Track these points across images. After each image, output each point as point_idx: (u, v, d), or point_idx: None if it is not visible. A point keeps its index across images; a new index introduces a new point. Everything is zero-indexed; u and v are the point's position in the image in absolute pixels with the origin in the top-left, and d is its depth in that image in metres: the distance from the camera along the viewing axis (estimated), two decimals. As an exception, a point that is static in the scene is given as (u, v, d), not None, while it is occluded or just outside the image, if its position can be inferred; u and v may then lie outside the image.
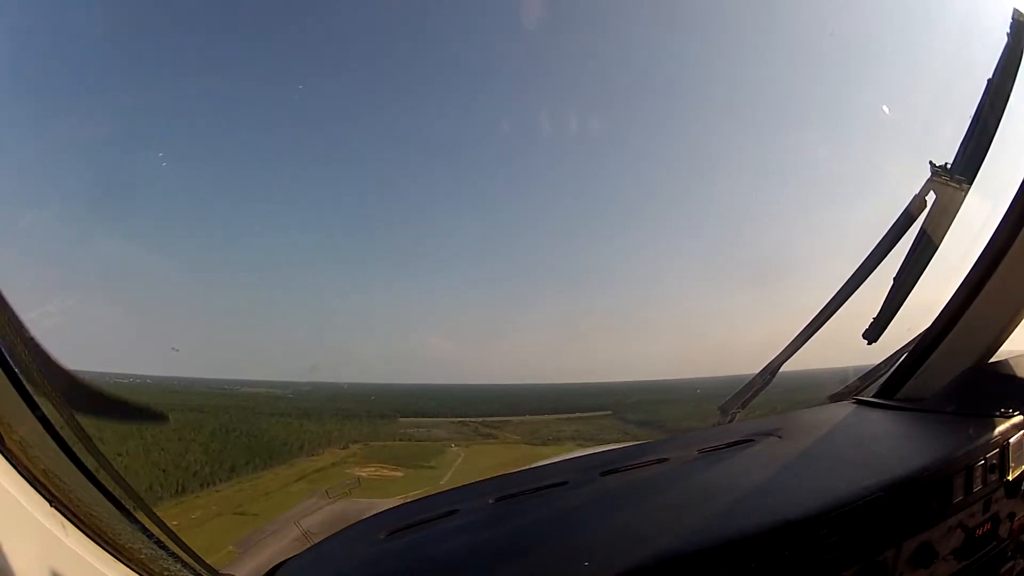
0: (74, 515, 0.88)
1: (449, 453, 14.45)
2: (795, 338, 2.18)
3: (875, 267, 2.08)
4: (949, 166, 1.98)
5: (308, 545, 1.33)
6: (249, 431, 15.56)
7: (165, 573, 1.01)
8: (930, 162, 2.00)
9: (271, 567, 1.22)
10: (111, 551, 0.92)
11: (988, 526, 1.60)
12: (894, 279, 2.06)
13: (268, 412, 18.14)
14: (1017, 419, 1.73)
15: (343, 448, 15.32)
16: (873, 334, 2.11)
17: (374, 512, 1.43)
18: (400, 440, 16.56)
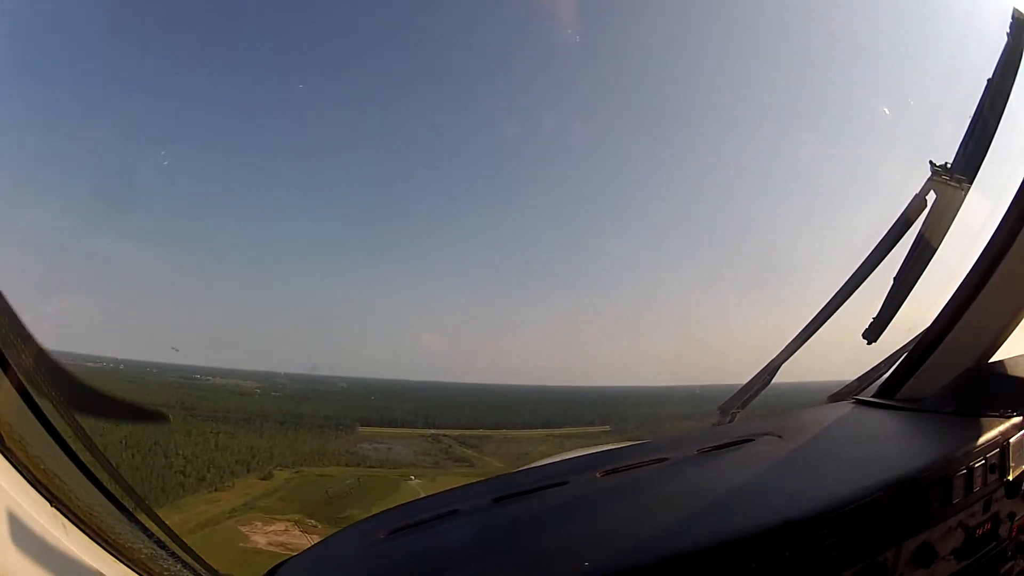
0: (74, 515, 0.88)
1: (404, 491, 10.79)
2: (795, 338, 2.18)
3: (875, 267, 2.08)
4: (949, 166, 1.98)
5: (308, 545, 1.33)
6: (154, 446, 11.17)
7: (165, 573, 1.01)
8: (930, 162, 2.01)
9: (271, 567, 1.22)
10: (111, 551, 0.92)
11: (988, 526, 1.60)
12: (894, 279, 2.06)
13: (206, 414, 14.58)
14: (1017, 419, 1.73)
15: (264, 478, 11.47)
16: (873, 334, 2.11)
17: None
18: (347, 466, 12.80)
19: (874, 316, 2.12)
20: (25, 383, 0.92)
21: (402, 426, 16.08)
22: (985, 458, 1.56)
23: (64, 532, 0.85)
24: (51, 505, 0.85)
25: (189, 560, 1.09)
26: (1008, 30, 1.90)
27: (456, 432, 15.13)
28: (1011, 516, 1.68)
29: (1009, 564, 1.68)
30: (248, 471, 11.78)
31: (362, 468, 12.88)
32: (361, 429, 15.48)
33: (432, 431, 15.43)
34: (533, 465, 1.99)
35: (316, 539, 1.30)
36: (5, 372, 0.89)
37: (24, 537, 0.79)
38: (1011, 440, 1.66)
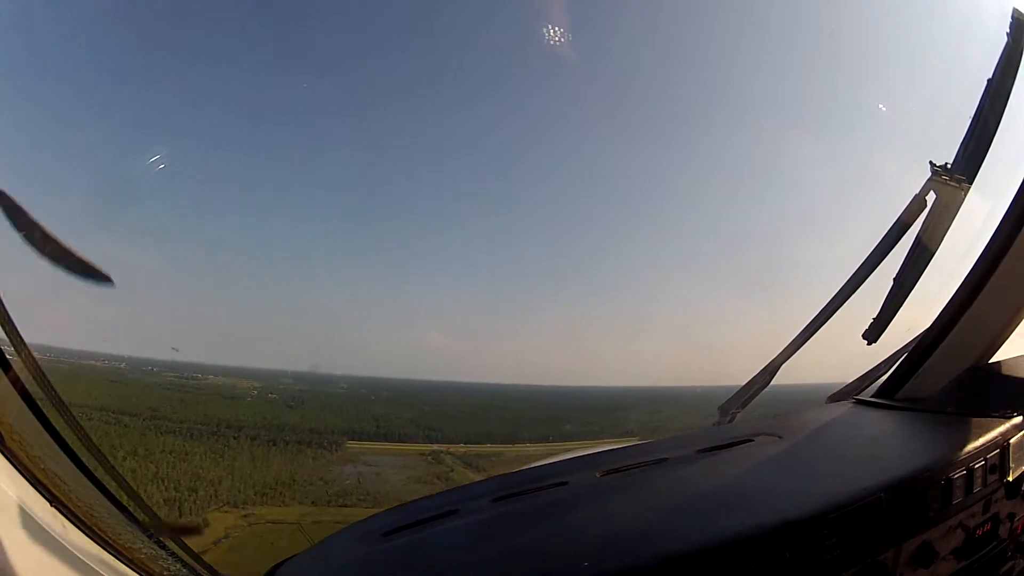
0: (74, 515, 0.88)
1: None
2: (796, 338, 2.18)
3: (875, 267, 2.08)
4: (949, 166, 1.98)
5: (308, 545, 1.33)
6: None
7: (165, 573, 1.01)
8: (930, 162, 2.00)
9: (271, 567, 1.22)
10: (111, 551, 0.93)
11: (988, 526, 1.60)
12: (894, 279, 2.06)
13: (172, 426, 12.22)
14: (1017, 419, 1.73)
15: (194, 528, 5.45)
16: (873, 334, 2.11)
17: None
18: (314, 504, 9.60)
19: (874, 316, 2.12)
20: (25, 383, 0.93)
21: (399, 440, 13.73)
22: (985, 458, 1.56)
23: (64, 532, 0.85)
24: (51, 505, 0.85)
25: (189, 560, 1.09)
26: (1008, 30, 1.90)
27: (462, 448, 12.79)
28: (1011, 516, 1.68)
29: (1009, 564, 1.68)
30: (180, 515, 8.63)
31: (332, 508, 9.84)
32: (349, 445, 12.98)
33: (433, 447, 13.02)
34: (533, 465, 1.99)
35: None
36: (5, 372, 0.89)
37: (24, 537, 0.79)
38: (1011, 440, 1.66)
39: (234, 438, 12.63)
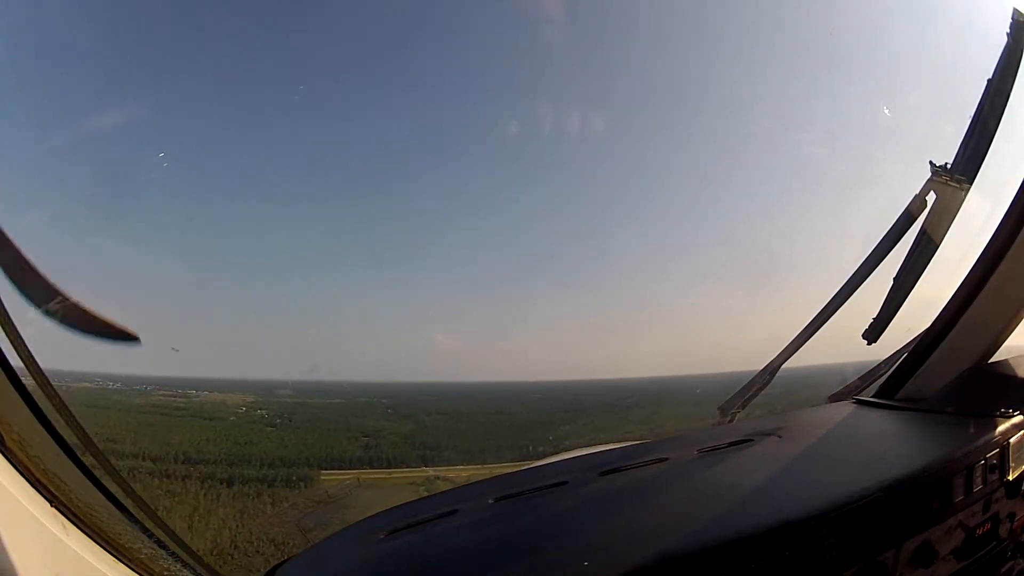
0: (74, 515, 0.88)
1: None
2: (795, 338, 2.18)
3: (875, 267, 2.08)
4: (949, 166, 1.98)
5: (308, 545, 1.33)
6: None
7: (165, 573, 1.02)
8: (930, 162, 2.01)
9: (271, 567, 1.22)
10: (111, 551, 0.93)
11: (988, 526, 1.60)
12: (894, 279, 2.06)
13: (113, 465, 7.65)
14: (1017, 419, 1.73)
15: None
16: (873, 334, 2.11)
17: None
18: None
19: (874, 316, 2.12)
20: (25, 383, 0.93)
21: (388, 464, 11.42)
22: (985, 458, 1.57)
23: (64, 532, 0.85)
24: (51, 505, 0.85)
25: (189, 560, 1.09)
26: (1008, 30, 1.90)
27: (465, 471, 10.50)
28: (1011, 516, 1.68)
29: (1009, 564, 1.68)
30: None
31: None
32: (323, 477, 10.56)
33: (429, 472, 10.82)
34: (533, 465, 1.99)
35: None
36: (5, 372, 0.89)
37: (24, 537, 0.79)
38: (1011, 440, 1.66)
39: (183, 479, 10.49)
